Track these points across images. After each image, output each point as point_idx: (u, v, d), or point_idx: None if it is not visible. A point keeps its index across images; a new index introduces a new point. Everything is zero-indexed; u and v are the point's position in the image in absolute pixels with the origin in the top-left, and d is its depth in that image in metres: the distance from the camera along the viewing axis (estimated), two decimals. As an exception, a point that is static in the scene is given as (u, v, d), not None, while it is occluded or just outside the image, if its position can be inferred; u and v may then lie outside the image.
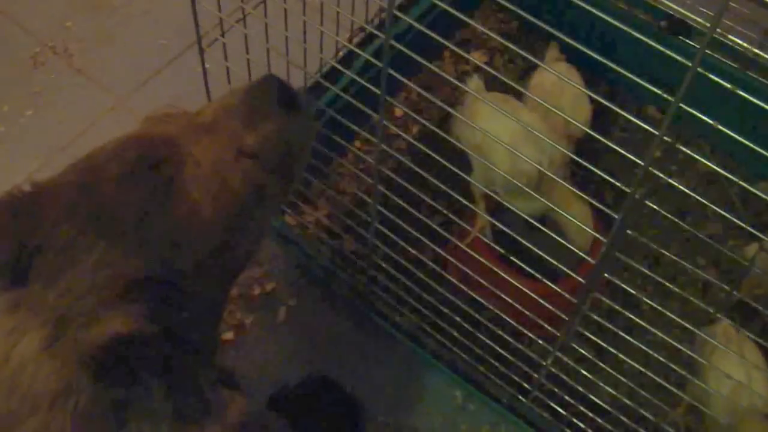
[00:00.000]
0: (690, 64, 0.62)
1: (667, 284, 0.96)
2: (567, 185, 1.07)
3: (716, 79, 0.63)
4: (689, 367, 1.14)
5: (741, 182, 0.75)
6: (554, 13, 1.64)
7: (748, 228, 0.83)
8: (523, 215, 1.17)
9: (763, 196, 0.76)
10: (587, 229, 0.98)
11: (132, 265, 0.78)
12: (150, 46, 1.76)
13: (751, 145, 0.70)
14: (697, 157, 0.74)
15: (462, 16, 0.89)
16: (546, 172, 0.96)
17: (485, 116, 1.27)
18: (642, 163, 0.72)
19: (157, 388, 0.75)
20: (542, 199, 0.97)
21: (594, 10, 0.81)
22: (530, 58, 0.86)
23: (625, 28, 0.73)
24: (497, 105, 0.97)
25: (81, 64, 1.72)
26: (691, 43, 1.27)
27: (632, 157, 0.74)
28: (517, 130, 1.19)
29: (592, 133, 0.82)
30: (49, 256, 0.78)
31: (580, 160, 0.84)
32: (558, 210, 1.02)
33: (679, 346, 0.98)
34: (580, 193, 1.07)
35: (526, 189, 0.95)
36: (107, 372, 0.73)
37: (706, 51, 0.62)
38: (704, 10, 1.23)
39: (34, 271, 0.78)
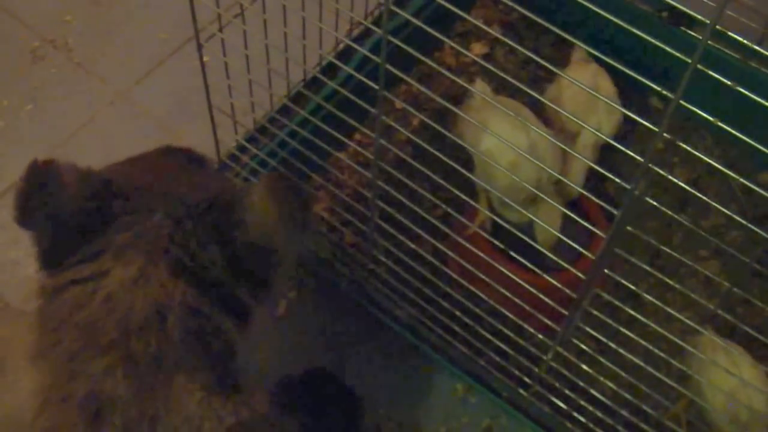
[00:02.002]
0: (690, 60, 0.61)
1: (667, 280, 0.95)
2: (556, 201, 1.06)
3: (716, 75, 0.63)
4: (687, 361, 1.14)
5: (741, 179, 0.75)
6: (553, 4, 1.63)
7: (749, 225, 0.82)
8: (515, 223, 1.18)
9: (763, 192, 0.75)
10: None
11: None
12: (150, 39, 1.76)
13: (751, 141, 0.69)
14: (696, 153, 0.73)
15: (458, 11, 0.88)
16: (540, 192, 0.97)
17: (492, 126, 1.25)
18: (642, 160, 0.72)
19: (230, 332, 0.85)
20: (524, 212, 0.98)
21: (593, 7, 0.80)
22: (532, 56, 0.85)
23: (625, 25, 0.72)
24: (508, 113, 0.96)
25: (81, 58, 1.72)
26: (692, 33, 1.26)
27: (633, 155, 0.74)
28: (522, 143, 1.18)
29: (600, 135, 0.81)
30: (137, 195, 0.84)
31: (583, 158, 0.84)
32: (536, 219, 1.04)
33: (678, 341, 0.98)
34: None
35: (528, 197, 0.95)
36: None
37: (708, 42, 0.61)
38: (706, 1, 1.22)
39: (119, 208, 0.83)
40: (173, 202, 0.84)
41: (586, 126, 0.80)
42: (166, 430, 0.76)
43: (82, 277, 0.80)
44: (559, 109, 0.87)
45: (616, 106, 0.83)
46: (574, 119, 0.83)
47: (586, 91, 0.71)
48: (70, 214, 0.82)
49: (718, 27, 0.60)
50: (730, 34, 0.70)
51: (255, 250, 0.86)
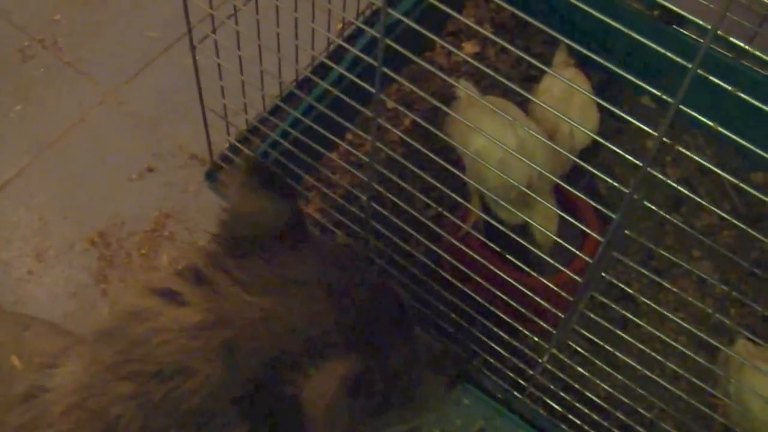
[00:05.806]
0: (689, 66, 0.61)
1: (662, 282, 0.95)
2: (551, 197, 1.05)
3: (717, 81, 0.62)
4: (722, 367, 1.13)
5: (733, 178, 0.75)
6: (544, 3, 1.62)
7: (741, 225, 0.82)
8: (507, 223, 1.17)
9: (755, 192, 0.75)
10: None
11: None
12: (139, 39, 1.74)
13: (744, 143, 0.69)
14: (691, 155, 0.73)
15: (449, 11, 0.87)
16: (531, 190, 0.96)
17: (479, 125, 1.24)
18: (641, 164, 0.71)
19: None
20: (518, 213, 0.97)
21: (584, 6, 0.80)
22: (524, 56, 0.85)
23: (616, 24, 0.72)
24: (495, 111, 0.96)
25: (70, 58, 1.70)
26: (685, 32, 1.25)
27: (632, 159, 0.74)
28: (509, 141, 1.18)
29: (597, 138, 0.81)
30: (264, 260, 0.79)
31: (580, 162, 0.83)
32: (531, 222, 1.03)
33: (672, 342, 0.98)
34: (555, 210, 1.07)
35: (519, 196, 0.94)
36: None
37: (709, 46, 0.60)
38: (702, 1, 1.21)
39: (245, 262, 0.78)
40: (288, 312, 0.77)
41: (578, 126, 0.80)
42: None
43: (164, 301, 0.76)
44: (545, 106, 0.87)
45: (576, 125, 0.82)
46: (566, 118, 0.83)
47: (564, 97, 0.71)
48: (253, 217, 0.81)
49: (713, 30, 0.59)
50: (731, 39, 0.70)
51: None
